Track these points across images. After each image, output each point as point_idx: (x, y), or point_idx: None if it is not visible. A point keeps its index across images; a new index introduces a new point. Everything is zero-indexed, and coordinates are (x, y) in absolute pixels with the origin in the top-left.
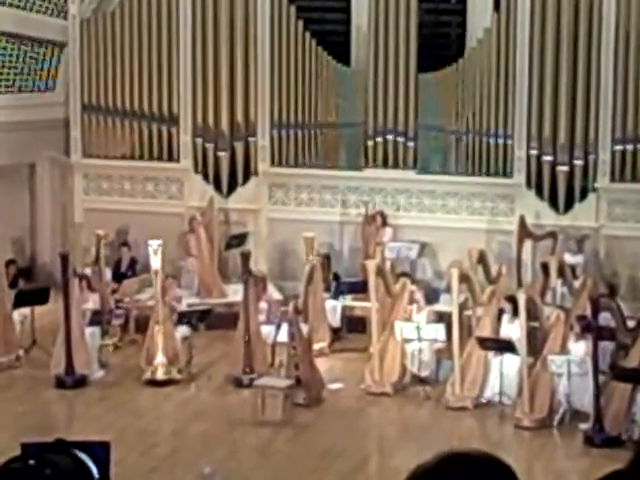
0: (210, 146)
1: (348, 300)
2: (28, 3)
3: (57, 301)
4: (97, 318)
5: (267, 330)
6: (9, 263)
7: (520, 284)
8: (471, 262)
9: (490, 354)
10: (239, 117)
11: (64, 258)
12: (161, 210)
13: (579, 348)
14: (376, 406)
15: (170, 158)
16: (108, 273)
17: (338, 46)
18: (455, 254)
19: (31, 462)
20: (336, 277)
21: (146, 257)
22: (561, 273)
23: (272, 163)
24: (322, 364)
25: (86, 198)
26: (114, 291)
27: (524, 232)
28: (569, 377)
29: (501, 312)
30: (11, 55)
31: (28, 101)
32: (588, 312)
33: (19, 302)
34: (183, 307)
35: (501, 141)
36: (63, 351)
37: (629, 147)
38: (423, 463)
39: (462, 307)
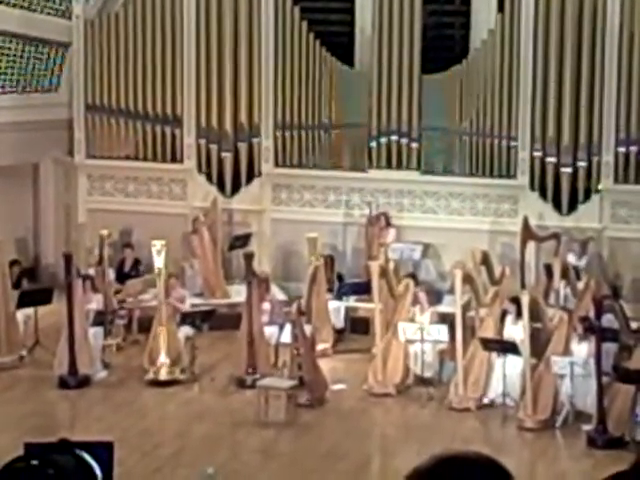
0: (214, 147)
1: (351, 301)
2: (32, 3)
3: (60, 301)
4: (100, 318)
5: (270, 331)
6: (13, 263)
7: (523, 285)
8: (474, 263)
9: (493, 355)
10: (243, 118)
11: (68, 258)
12: (165, 211)
13: (582, 349)
14: (379, 407)
15: (174, 159)
16: (111, 273)
17: (342, 47)
18: (458, 255)
19: (34, 462)
20: (339, 278)
21: (149, 257)
22: (564, 274)
23: (276, 164)
24: (325, 365)
25: (90, 199)
26: (117, 291)
27: (527, 233)
28: (572, 378)
29: (504, 313)
30: (15, 55)
31: (32, 101)
32: (591, 313)
33: (23, 302)
34: (186, 307)
35: (505, 142)
36: (66, 351)
37: (633, 149)
38: (419, 465)
39: (465, 308)
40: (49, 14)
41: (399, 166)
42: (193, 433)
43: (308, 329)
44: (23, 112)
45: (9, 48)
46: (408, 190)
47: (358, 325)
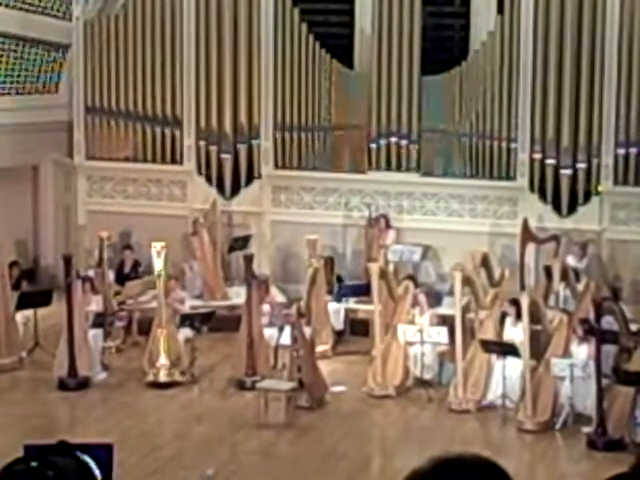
0: (213, 148)
1: (351, 303)
2: (32, 5)
3: (60, 303)
4: (100, 320)
5: (270, 333)
6: (12, 265)
7: (523, 287)
8: (474, 265)
9: (493, 357)
10: (242, 119)
11: (67, 260)
12: (164, 212)
13: (582, 351)
14: (379, 409)
15: (173, 160)
16: (111, 275)
17: (342, 49)
18: (458, 257)
19: (33, 464)
20: (339, 280)
21: (149, 259)
22: (564, 276)
23: (275, 165)
24: (325, 367)
25: (89, 200)
26: (117, 293)
27: (527, 235)
28: (572, 380)
29: (504, 315)
30: (14, 57)
31: (31, 103)
32: (591, 315)
33: (22, 304)
34: (186, 309)
35: (504, 144)
36: (66, 353)
37: (632, 150)
38: (417, 468)
39: (465, 310)
40: (49, 16)
41: (399, 168)
42: (193, 435)
43: (308, 331)
44: (23, 114)
45: (9, 50)
46: (408, 192)
47: (358, 327)
